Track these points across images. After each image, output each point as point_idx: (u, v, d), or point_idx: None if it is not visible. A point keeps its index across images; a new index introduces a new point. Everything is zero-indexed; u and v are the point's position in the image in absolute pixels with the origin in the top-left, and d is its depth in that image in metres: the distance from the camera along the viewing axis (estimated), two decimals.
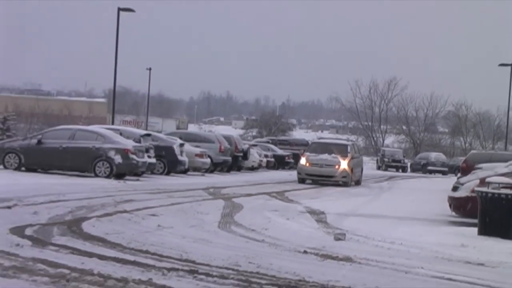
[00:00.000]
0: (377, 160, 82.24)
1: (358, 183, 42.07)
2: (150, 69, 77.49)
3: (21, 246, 12.33)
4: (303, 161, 40.27)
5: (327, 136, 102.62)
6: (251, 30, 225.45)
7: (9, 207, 17.57)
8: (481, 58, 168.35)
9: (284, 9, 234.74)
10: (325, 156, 39.19)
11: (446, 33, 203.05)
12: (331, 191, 34.22)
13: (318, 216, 20.19)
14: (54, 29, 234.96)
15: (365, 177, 49.59)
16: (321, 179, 39.08)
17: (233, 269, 11.37)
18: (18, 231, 14.01)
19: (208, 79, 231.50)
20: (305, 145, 64.33)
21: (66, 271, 10.37)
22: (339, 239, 15.69)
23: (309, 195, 28.76)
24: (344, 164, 38.91)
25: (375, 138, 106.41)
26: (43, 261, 11.01)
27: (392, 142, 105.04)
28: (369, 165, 77.95)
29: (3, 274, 9.97)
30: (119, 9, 48.05)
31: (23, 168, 32.70)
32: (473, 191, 19.49)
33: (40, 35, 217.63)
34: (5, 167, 32.86)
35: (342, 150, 40.54)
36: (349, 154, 40.02)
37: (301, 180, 39.78)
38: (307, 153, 40.78)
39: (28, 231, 14.11)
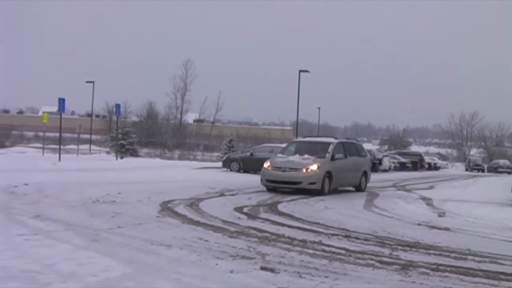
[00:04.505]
0: (465, 164, 79.60)
1: (359, 189, 22.80)
2: (319, 108, 77.59)
3: (240, 219, 12.61)
4: (266, 163, 21.19)
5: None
6: (381, 67, 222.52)
7: (233, 195, 17.97)
8: None
9: (413, 52, 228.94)
10: (294, 157, 20.78)
11: None
12: (439, 185, 32.73)
13: (427, 201, 19.79)
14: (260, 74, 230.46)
15: (458, 176, 48.09)
16: (284, 186, 20.16)
17: (373, 235, 11.34)
18: (238, 209, 14.32)
19: (355, 110, 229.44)
20: (418, 155, 63.12)
21: (268, 234, 10.58)
22: (441, 216, 15.39)
23: (421, 187, 28.09)
24: (313, 167, 19.98)
25: (464, 151, 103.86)
26: (254, 228, 11.24)
27: (475, 152, 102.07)
28: (459, 168, 75.74)
29: (230, 235, 10.25)
30: (300, 71, 48.06)
31: (241, 171, 33.15)
32: None
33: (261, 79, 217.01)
34: (230, 170, 33.36)
35: (321, 149, 21.33)
36: (327, 155, 20.88)
37: (267, 187, 20.82)
38: (278, 155, 22.15)
39: (245, 210, 14.38)
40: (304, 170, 19.75)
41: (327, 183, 20.20)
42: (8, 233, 9.16)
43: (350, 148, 22.80)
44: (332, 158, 20.81)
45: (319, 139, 23.26)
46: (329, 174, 20.25)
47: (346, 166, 21.62)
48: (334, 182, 20.66)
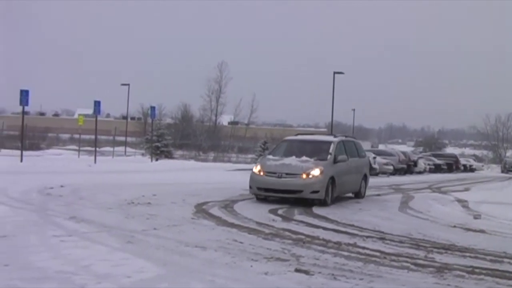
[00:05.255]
0: (501, 166, 78.52)
1: (358, 195, 19.26)
2: (354, 109, 77.18)
3: (275, 221, 12.61)
4: (255, 168, 17.32)
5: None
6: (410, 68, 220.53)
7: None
8: None
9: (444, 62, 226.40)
10: (290, 160, 17.01)
11: None
12: (475, 187, 32.36)
13: (463, 203, 19.57)
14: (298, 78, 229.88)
15: (493, 178, 47.44)
16: (280, 195, 16.55)
17: (407, 237, 11.26)
18: (273, 211, 14.35)
19: (389, 112, 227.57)
20: (453, 157, 62.49)
21: (303, 236, 10.55)
22: (476, 218, 15.22)
23: (456, 189, 27.79)
24: (316, 172, 16.32)
25: (499, 152, 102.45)
26: (288, 230, 11.23)
27: (511, 154, 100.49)
28: (495, 169, 74.85)
29: (265, 237, 10.24)
30: (335, 73, 48.07)
31: None
32: None
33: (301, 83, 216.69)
34: None
35: (321, 150, 17.66)
36: (329, 156, 17.27)
37: (256, 196, 17.11)
38: (268, 156, 18.18)
39: (279, 211, 14.40)
40: (304, 176, 16.15)
41: (331, 191, 16.56)
42: (44, 234, 9.27)
43: (351, 148, 19.25)
44: (335, 161, 17.24)
45: (316, 138, 19.65)
46: (332, 180, 16.63)
47: (348, 170, 18.06)
48: (337, 189, 17.01)
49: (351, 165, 18.33)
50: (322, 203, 16.12)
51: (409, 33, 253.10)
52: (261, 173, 16.63)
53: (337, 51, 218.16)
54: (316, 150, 17.56)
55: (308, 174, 16.18)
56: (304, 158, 16.95)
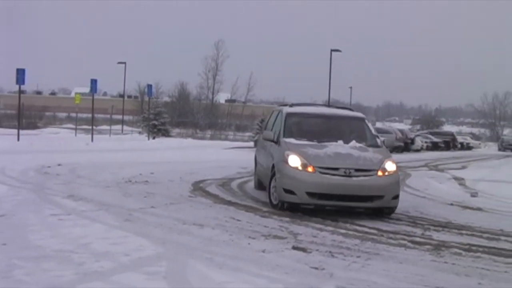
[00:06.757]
0: (498, 144, 78.63)
1: None
2: (351, 87, 77.09)
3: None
4: (294, 160, 10.63)
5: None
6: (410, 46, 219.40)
7: None
8: None
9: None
10: (338, 146, 11.22)
11: None
12: (472, 165, 32.50)
13: (460, 181, 19.65)
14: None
15: (490, 156, 47.55)
16: (348, 204, 10.65)
17: (405, 215, 11.30)
18: None
19: (387, 90, 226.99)
20: (450, 135, 62.50)
21: (300, 214, 10.54)
22: (473, 196, 15.29)
23: (454, 167, 27.82)
24: (391, 166, 10.91)
25: (496, 130, 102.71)
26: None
27: (508, 132, 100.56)
28: (492, 147, 75.08)
29: (262, 215, 10.24)
30: (332, 50, 47.94)
31: None
32: None
33: None
34: None
35: (358, 130, 12.28)
36: (378, 140, 12.13)
37: (286, 206, 10.69)
38: (289, 140, 11.43)
39: None
40: (381, 173, 10.75)
41: None
42: (42, 213, 9.28)
43: None
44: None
45: (339, 112, 13.28)
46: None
47: None
48: None
49: None
50: (390, 211, 11.01)
51: (407, 11, 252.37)
52: (310, 169, 10.58)
53: (336, 28, 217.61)
54: (349, 131, 12.32)
55: (384, 171, 10.82)
56: (354, 143, 11.55)
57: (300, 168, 10.62)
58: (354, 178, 10.48)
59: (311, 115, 12.76)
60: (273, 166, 11.34)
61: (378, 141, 12.12)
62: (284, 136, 11.73)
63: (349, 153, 10.98)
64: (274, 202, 11.12)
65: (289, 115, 12.47)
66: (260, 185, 13.66)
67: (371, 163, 10.84)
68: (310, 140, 11.52)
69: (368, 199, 10.62)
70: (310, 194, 10.45)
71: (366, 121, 12.80)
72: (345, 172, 10.45)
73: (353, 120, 12.83)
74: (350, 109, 13.91)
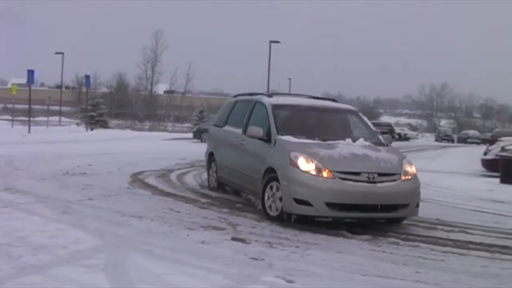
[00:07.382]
0: (435, 135, 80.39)
1: None
2: (290, 78, 77.43)
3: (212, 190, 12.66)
4: (304, 163, 8.69)
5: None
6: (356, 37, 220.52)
7: (203, 166, 17.88)
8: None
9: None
10: (348, 145, 9.34)
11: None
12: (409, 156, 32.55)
13: None
14: None
15: (427, 146, 48.59)
16: (371, 215, 8.95)
17: None
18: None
19: (325, 81, 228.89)
20: (388, 126, 63.49)
21: (240, 205, 10.59)
22: None
23: None
24: (411, 168, 9.39)
25: (433, 121, 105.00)
26: (225, 199, 11.26)
27: (444, 123, 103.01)
28: (429, 138, 76.64)
29: (201, 206, 10.25)
30: (271, 42, 47.96)
31: None
32: (497, 155, 19.59)
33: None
34: (201, 141, 32.31)
35: (344, 126, 10.85)
36: (381, 138, 10.39)
37: (294, 218, 8.89)
38: (288, 139, 9.42)
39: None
40: (403, 178, 9.24)
41: None
42: None
43: None
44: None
45: (324, 103, 11.45)
46: None
47: None
48: None
49: None
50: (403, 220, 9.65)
51: (346, 3, 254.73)
52: (326, 174, 8.76)
53: (274, 20, 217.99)
54: (348, 126, 11.01)
55: (406, 174, 9.33)
56: (363, 141, 9.88)
57: (313, 172, 8.76)
58: (379, 185, 8.82)
59: (302, 108, 10.83)
60: (268, 171, 9.46)
61: (381, 137, 10.49)
62: (278, 134, 9.74)
63: (365, 154, 9.29)
64: (272, 214, 9.24)
65: (275, 107, 10.40)
66: (220, 187, 12.25)
67: (392, 165, 9.25)
68: (310, 138, 9.66)
69: (392, 208, 9.02)
70: (330, 205, 8.61)
71: (360, 114, 11.38)
72: (368, 178, 8.76)
73: (348, 114, 11.20)
74: (335, 100, 12.26)
